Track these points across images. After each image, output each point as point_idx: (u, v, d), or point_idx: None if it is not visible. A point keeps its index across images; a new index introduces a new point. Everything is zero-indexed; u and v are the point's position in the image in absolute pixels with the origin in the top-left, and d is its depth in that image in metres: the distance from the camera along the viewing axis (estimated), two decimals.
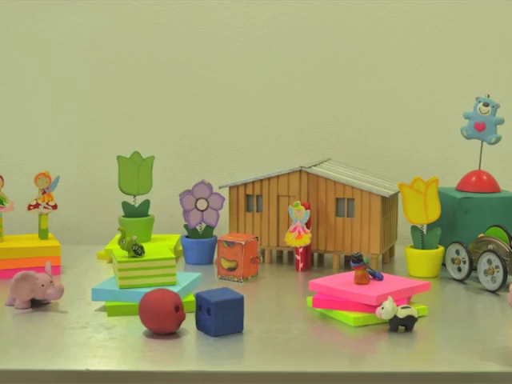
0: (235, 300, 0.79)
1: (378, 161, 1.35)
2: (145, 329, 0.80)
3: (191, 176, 1.34)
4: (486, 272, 0.99)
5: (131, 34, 1.34)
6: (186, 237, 1.16)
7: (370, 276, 0.91)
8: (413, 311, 0.82)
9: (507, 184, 1.24)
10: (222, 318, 0.77)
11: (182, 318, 0.78)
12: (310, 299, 0.90)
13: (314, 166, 1.15)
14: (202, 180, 1.15)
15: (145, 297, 0.79)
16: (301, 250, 1.09)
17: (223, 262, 1.04)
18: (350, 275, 0.91)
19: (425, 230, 1.08)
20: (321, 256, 1.17)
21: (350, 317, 0.84)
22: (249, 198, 1.16)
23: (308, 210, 1.08)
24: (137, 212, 1.20)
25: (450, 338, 0.80)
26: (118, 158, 1.19)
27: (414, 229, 1.08)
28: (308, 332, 0.81)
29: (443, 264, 1.07)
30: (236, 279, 1.03)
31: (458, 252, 1.04)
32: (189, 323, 0.80)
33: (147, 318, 0.77)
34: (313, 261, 1.14)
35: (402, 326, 0.81)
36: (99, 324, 0.83)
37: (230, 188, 1.16)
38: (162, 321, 0.76)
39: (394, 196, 1.16)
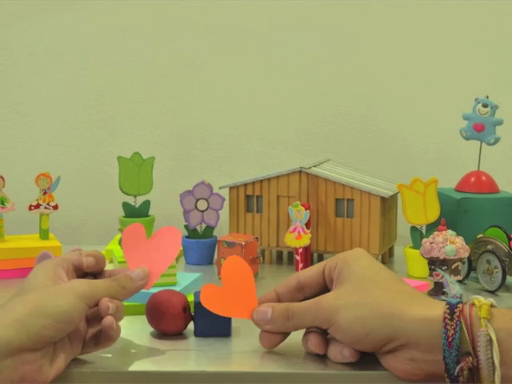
0: None
1: (378, 161, 1.35)
2: (145, 329, 0.80)
3: (191, 176, 1.34)
4: (484, 272, 1.00)
5: (131, 34, 1.35)
6: (186, 237, 1.16)
7: None
8: None
9: (506, 184, 1.25)
10: (204, 319, 0.77)
11: (189, 318, 0.79)
12: None
13: (314, 166, 1.15)
14: (202, 180, 1.15)
15: (152, 298, 0.79)
16: (300, 250, 1.09)
17: (223, 263, 1.04)
18: None
19: (424, 231, 1.08)
20: (320, 256, 1.17)
21: None
22: (249, 198, 1.16)
23: (308, 211, 1.08)
24: (137, 212, 1.20)
25: None
26: (119, 158, 1.19)
27: (414, 229, 1.08)
28: None
29: None
30: None
31: None
32: (189, 323, 0.80)
33: (155, 318, 0.78)
34: (312, 261, 1.14)
35: None
36: None
37: (230, 188, 1.17)
38: (169, 322, 0.76)
39: (394, 196, 1.16)
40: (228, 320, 0.78)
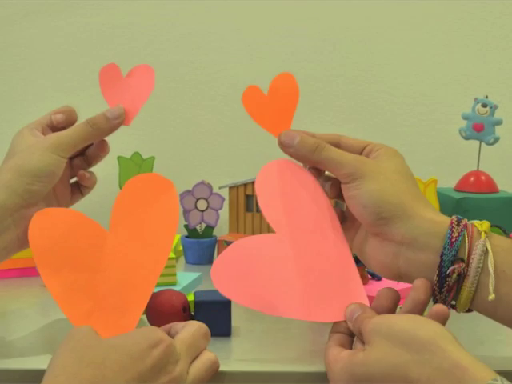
0: (220, 302, 0.77)
1: None
2: None
3: (191, 176, 1.34)
4: None
5: (130, 34, 1.35)
6: (186, 237, 1.16)
7: (369, 276, 0.91)
8: None
9: (505, 184, 1.25)
10: (204, 318, 0.76)
11: (189, 318, 0.79)
12: None
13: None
14: (202, 180, 1.15)
15: (152, 297, 0.79)
16: None
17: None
18: None
19: None
20: None
21: None
22: (249, 198, 1.16)
23: None
24: None
25: None
26: (119, 158, 1.19)
27: None
28: (308, 332, 0.81)
29: None
30: None
31: None
32: None
33: (155, 318, 0.78)
34: None
35: None
36: None
37: (230, 188, 1.17)
38: (169, 321, 0.76)
39: None
40: (228, 320, 0.78)
